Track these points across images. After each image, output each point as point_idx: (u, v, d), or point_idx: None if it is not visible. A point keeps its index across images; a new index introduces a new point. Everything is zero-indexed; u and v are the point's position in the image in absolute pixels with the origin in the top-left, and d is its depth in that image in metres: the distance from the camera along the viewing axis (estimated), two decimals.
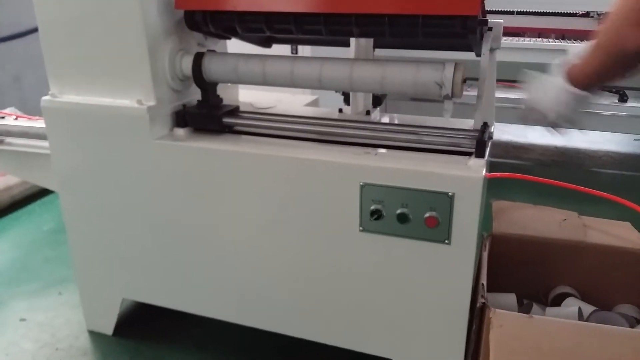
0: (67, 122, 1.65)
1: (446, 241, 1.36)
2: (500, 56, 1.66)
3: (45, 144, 1.75)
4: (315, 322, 1.62)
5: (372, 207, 1.39)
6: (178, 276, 1.73)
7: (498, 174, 1.43)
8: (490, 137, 1.54)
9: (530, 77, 1.41)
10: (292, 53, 2.78)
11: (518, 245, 1.68)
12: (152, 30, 1.51)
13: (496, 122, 1.73)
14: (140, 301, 1.86)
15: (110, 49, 1.54)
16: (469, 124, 1.58)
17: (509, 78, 2.97)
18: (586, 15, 3.98)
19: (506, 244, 1.67)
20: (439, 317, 1.45)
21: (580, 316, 1.54)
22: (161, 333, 1.94)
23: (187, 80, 1.64)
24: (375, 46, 1.81)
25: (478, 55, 1.55)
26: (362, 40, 1.76)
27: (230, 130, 1.64)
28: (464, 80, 1.39)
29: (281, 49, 2.02)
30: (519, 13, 4.02)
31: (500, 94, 3.37)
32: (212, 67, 1.58)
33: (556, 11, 3.99)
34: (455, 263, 1.38)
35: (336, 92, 1.83)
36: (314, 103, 2.30)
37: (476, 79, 1.46)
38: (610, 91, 3.73)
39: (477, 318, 1.38)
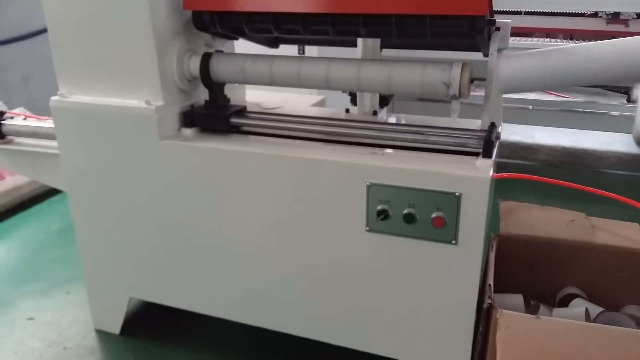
0: (76, 122, 1.65)
1: (453, 242, 1.35)
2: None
3: (54, 143, 1.76)
4: (321, 322, 1.62)
5: (379, 207, 1.39)
6: (185, 275, 1.73)
7: (505, 175, 1.43)
8: (498, 138, 1.53)
9: None
10: (299, 53, 2.79)
11: (525, 246, 1.68)
12: (161, 30, 1.52)
13: (504, 122, 1.73)
14: (148, 300, 1.86)
15: (119, 49, 1.55)
16: (476, 124, 1.58)
17: None
18: (594, 15, 3.97)
19: (513, 244, 1.67)
20: (446, 318, 1.45)
21: (587, 317, 1.54)
22: (168, 332, 1.94)
23: (195, 81, 1.64)
24: (382, 46, 1.81)
25: (486, 55, 1.54)
26: (369, 41, 1.76)
27: (237, 130, 1.64)
28: (472, 81, 1.39)
29: (288, 50, 2.02)
30: (527, 13, 4.01)
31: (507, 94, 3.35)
32: (219, 68, 1.58)
33: (564, 11, 3.98)
34: (462, 264, 1.37)
35: (343, 92, 1.84)
36: (321, 103, 2.30)
37: (483, 79, 1.46)
38: (619, 91, 3.71)
39: (484, 319, 1.37)
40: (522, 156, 4.02)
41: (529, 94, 3.90)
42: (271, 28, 1.52)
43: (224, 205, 1.59)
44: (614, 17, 3.89)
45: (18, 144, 2.03)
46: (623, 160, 3.93)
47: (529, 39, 4.00)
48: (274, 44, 1.94)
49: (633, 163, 3.88)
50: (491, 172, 1.31)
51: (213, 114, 1.63)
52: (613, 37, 4.10)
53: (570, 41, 3.99)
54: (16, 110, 2.24)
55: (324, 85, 1.53)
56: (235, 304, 1.72)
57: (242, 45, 1.83)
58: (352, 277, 1.52)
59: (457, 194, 1.31)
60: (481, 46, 1.55)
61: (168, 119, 1.59)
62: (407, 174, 1.36)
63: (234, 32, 1.65)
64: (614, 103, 3.68)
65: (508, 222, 1.73)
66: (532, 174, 1.51)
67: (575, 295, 1.68)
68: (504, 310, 1.25)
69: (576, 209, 1.79)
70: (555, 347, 1.17)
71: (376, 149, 1.49)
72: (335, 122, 1.61)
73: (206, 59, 1.58)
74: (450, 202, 1.32)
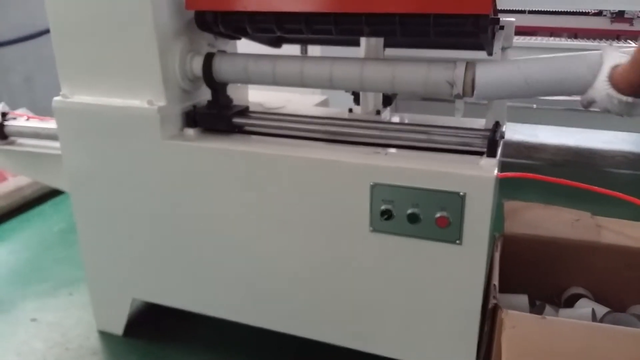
0: (78, 122, 1.65)
1: (457, 241, 1.35)
2: (512, 55, 1.64)
3: (56, 144, 1.75)
4: (324, 322, 1.62)
5: (383, 207, 1.38)
6: (187, 276, 1.73)
7: (510, 174, 1.42)
8: (502, 137, 1.53)
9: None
10: (301, 53, 2.78)
11: (530, 246, 1.67)
12: (163, 30, 1.51)
13: (508, 121, 1.72)
14: (150, 301, 1.86)
15: (121, 49, 1.55)
16: (480, 123, 1.57)
17: None
18: (599, 14, 3.96)
19: (518, 244, 1.66)
20: (451, 319, 1.44)
21: (593, 317, 1.53)
22: (171, 333, 1.94)
23: (198, 81, 1.64)
24: (386, 45, 1.81)
25: (490, 54, 1.54)
26: (373, 40, 1.75)
27: (240, 130, 1.64)
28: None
29: (291, 49, 2.01)
30: (531, 12, 4.00)
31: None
32: (222, 68, 1.58)
33: (569, 10, 3.97)
34: (466, 264, 1.37)
35: (346, 91, 1.83)
36: (324, 103, 2.29)
37: None
38: None
39: (489, 319, 1.37)
40: (527, 155, 4.01)
41: None
42: (274, 28, 1.51)
43: (227, 206, 1.58)
44: (619, 15, 3.88)
45: (20, 144, 2.04)
46: (628, 159, 3.92)
47: (533, 37, 3.98)
48: (276, 43, 1.94)
49: (638, 162, 3.86)
50: (495, 171, 1.30)
51: (215, 114, 1.62)
52: (618, 36, 4.10)
53: (574, 40, 3.97)
54: (19, 111, 2.23)
55: (327, 84, 1.52)
56: (238, 304, 1.71)
57: (245, 45, 1.83)
58: (356, 278, 1.51)
59: (461, 193, 1.30)
60: (485, 45, 1.54)
61: (170, 119, 1.58)
62: (411, 174, 1.35)
63: (237, 32, 1.65)
64: None
65: (513, 221, 1.72)
66: (536, 174, 1.50)
67: (581, 296, 1.67)
68: (509, 311, 1.24)
69: (581, 208, 1.79)
70: (561, 348, 1.16)
71: (379, 149, 1.48)
72: (338, 122, 1.61)
73: (209, 58, 1.58)
74: (455, 202, 1.32)
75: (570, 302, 1.67)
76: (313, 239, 1.52)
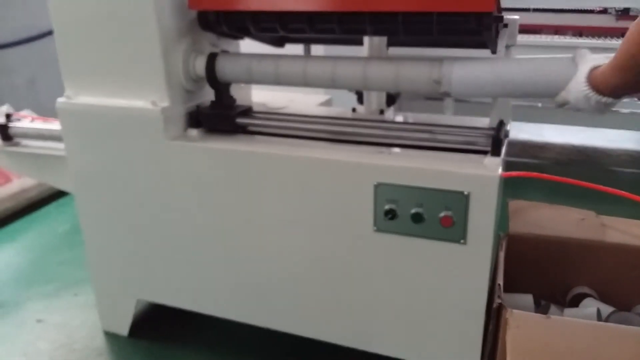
0: (82, 123, 1.66)
1: (462, 241, 1.34)
2: (516, 53, 1.64)
3: (61, 145, 1.76)
4: (329, 322, 1.61)
5: (387, 207, 1.38)
6: (192, 277, 1.73)
7: (514, 173, 1.41)
8: (507, 136, 1.52)
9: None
10: (304, 53, 2.78)
11: (535, 245, 1.66)
12: (166, 31, 1.51)
13: (513, 120, 1.71)
14: (155, 302, 1.86)
15: (125, 50, 1.55)
16: (484, 122, 1.57)
17: None
18: (604, 11, 3.94)
19: (523, 243, 1.65)
20: (455, 318, 1.44)
21: (598, 317, 1.52)
22: (176, 334, 1.94)
23: (201, 81, 1.64)
24: (389, 44, 1.80)
25: (494, 52, 1.53)
26: (376, 39, 1.75)
27: (243, 130, 1.64)
28: None
29: (294, 49, 2.01)
30: (536, 10, 3.98)
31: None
32: (225, 68, 1.58)
33: (573, 8, 3.95)
34: (471, 263, 1.36)
35: (349, 91, 1.83)
36: (327, 103, 2.29)
37: None
38: None
39: (494, 319, 1.36)
40: (532, 155, 4.00)
41: None
42: (277, 27, 1.51)
43: (231, 206, 1.58)
44: (624, 13, 3.86)
45: (25, 146, 2.04)
46: (634, 158, 3.90)
47: (538, 36, 3.96)
48: (279, 43, 1.94)
49: None
50: (500, 170, 1.30)
51: (219, 114, 1.62)
52: (623, 34, 4.07)
53: (579, 38, 3.95)
54: (23, 113, 2.23)
55: (330, 84, 1.52)
56: (243, 304, 1.71)
57: (248, 45, 1.82)
58: (360, 277, 1.51)
59: (465, 192, 1.30)
60: (489, 43, 1.54)
61: (174, 119, 1.58)
62: (415, 173, 1.35)
63: (240, 32, 1.65)
64: (625, 100, 3.65)
65: (517, 221, 1.71)
66: (541, 173, 1.49)
67: (586, 295, 1.67)
68: (514, 310, 1.24)
69: (586, 207, 1.78)
70: (566, 347, 1.15)
71: (383, 148, 1.48)
72: (341, 122, 1.61)
73: (212, 59, 1.58)
74: (459, 201, 1.31)
75: (576, 302, 1.66)
76: (317, 239, 1.52)
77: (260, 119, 1.64)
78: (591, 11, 3.98)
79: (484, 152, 1.39)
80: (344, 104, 2.04)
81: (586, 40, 3.82)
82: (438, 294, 1.43)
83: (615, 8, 3.87)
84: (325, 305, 1.59)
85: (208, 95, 1.69)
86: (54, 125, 1.91)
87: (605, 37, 3.83)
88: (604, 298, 1.66)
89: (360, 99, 1.90)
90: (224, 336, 1.92)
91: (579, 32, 4.10)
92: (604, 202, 1.75)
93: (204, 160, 1.56)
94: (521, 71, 1.35)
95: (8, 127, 2.00)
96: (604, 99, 1.19)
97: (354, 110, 1.91)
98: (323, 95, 2.36)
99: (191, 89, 1.64)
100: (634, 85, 1.15)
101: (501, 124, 1.46)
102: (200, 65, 1.59)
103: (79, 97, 1.65)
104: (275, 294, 1.64)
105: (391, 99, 1.88)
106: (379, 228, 1.42)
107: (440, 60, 1.40)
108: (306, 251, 1.55)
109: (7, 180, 2.96)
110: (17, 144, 2.04)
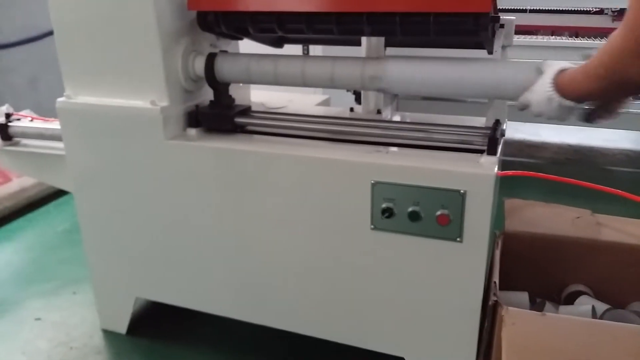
0: (82, 123, 1.66)
1: (458, 239, 1.35)
2: (512, 54, 1.65)
3: (60, 145, 1.77)
4: (326, 320, 1.63)
5: (384, 205, 1.39)
6: (190, 275, 1.74)
7: (510, 172, 1.43)
8: (503, 135, 1.53)
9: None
10: (303, 53, 2.79)
11: (530, 244, 1.67)
12: (166, 31, 1.52)
13: (510, 120, 1.73)
14: (154, 300, 1.87)
15: (124, 50, 1.56)
16: (480, 121, 1.58)
17: None
18: (600, 12, 3.95)
19: (519, 242, 1.67)
20: (451, 316, 1.45)
21: (593, 314, 1.53)
22: (174, 332, 1.95)
23: (200, 81, 1.65)
24: (387, 45, 1.81)
25: (490, 52, 1.54)
26: (374, 39, 1.76)
27: (242, 130, 1.65)
28: None
29: (293, 49, 2.02)
30: (532, 11, 3.99)
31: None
32: (224, 68, 1.59)
33: (570, 8, 3.96)
34: (467, 261, 1.37)
35: (347, 91, 1.84)
36: (325, 102, 2.30)
37: None
38: None
39: (489, 316, 1.37)
40: (529, 154, 4.02)
41: None
42: (275, 28, 1.52)
43: (229, 205, 1.59)
44: (620, 14, 3.88)
45: (25, 145, 2.04)
46: (629, 157, 3.92)
47: (534, 37, 3.98)
48: (278, 44, 1.95)
49: (639, 160, 3.87)
50: (496, 169, 1.31)
51: (218, 114, 1.63)
52: None
53: (575, 39, 3.96)
54: (23, 112, 2.24)
55: (329, 84, 1.53)
56: (241, 302, 1.72)
57: (247, 46, 1.83)
58: (357, 275, 1.52)
59: (461, 191, 1.31)
60: (486, 44, 1.55)
61: (173, 119, 1.59)
62: (412, 172, 1.36)
63: (239, 32, 1.66)
64: None
65: (513, 219, 1.73)
66: (537, 172, 1.51)
67: (581, 293, 1.68)
68: (509, 308, 1.25)
69: (582, 206, 1.79)
70: (561, 344, 1.17)
71: (381, 147, 1.49)
72: (339, 121, 1.62)
73: (211, 59, 1.59)
74: (455, 200, 1.32)
75: (571, 299, 1.67)
76: (315, 237, 1.53)
77: (258, 118, 1.65)
78: (587, 12, 3.99)
79: (480, 151, 1.40)
80: (342, 104, 2.05)
81: (582, 41, 3.84)
82: (434, 292, 1.45)
83: (611, 9, 3.88)
84: (323, 303, 1.60)
85: (207, 95, 1.70)
86: (54, 125, 1.92)
87: (602, 37, 3.84)
88: (599, 296, 1.67)
89: (358, 99, 1.91)
90: (222, 334, 1.92)
91: (575, 32, 4.12)
92: (599, 200, 1.77)
93: (202, 159, 1.57)
94: (444, 72, 1.41)
95: (8, 126, 2.01)
96: (567, 103, 1.20)
97: (351, 110, 1.92)
98: (321, 95, 2.37)
99: (190, 88, 1.65)
100: (608, 94, 1.17)
101: (497, 123, 1.47)
102: (199, 65, 1.60)
103: (78, 96, 1.66)
104: (273, 292, 1.66)
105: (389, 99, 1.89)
106: (376, 226, 1.43)
107: (378, 58, 1.47)
108: (304, 249, 1.56)
109: (7, 179, 2.96)
110: (17, 144, 2.05)
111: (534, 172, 1.49)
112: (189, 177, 1.60)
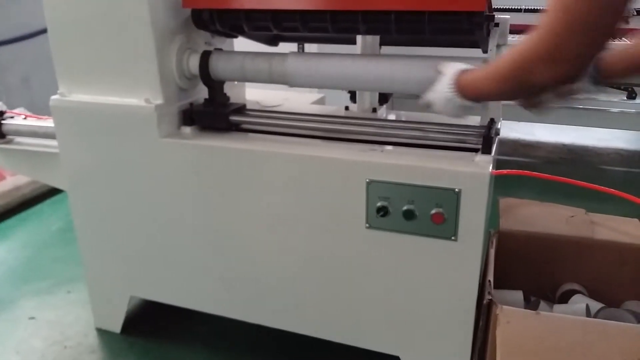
0: (76, 121, 1.66)
1: (453, 238, 1.36)
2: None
3: (54, 143, 1.76)
4: (321, 319, 1.63)
5: (379, 204, 1.39)
6: (185, 274, 1.74)
7: (505, 171, 1.43)
8: (497, 134, 1.54)
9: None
10: (298, 51, 2.78)
11: (525, 242, 1.68)
12: (160, 29, 1.52)
13: (504, 119, 1.73)
14: (148, 299, 1.87)
15: (119, 48, 1.55)
16: (475, 120, 1.58)
17: None
18: None
19: (513, 240, 1.67)
20: (446, 314, 1.45)
21: (588, 313, 1.54)
22: (169, 331, 1.95)
23: (194, 79, 1.65)
24: (382, 43, 1.81)
25: (485, 51, 1.54)
26: (369, 38, 1.76)
27: (237, 128, 1.65)
28: None
29: (288, 48, 2.02)
30: (527, 10, 4.00)
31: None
32: (219, 66, 1.59)
33: None
34: (462, 260, 1.38)
35: (342, 89, 1.83)
36: (321, 101, 2.30)
37: None
38: (619, 88, 3.70)
39: (484, 315, 1.37)
40: (523, 153, 4.03)
41: None
42: (270, 26, 1.52)
43: (224, 203, 1.59)
44: None
45: (18, 143, 2.03)
46: (623, 156, 3.93)
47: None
48: (273, 42, 1.95)
49: (632, 159, 3.88)
50: (490, 167, 1.31)
51: (212, 112, 1.63)
52: None
53: None
54: (17, 111, 2.23)
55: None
56: (236, 301, 1.72)
57: (242, 44, 1.83)
58: (352, 274, 1.52)
59: (456, 190, 1.31)
60: (480, 42, 1.56)
61: (168, 117, 1.59)
62: (407, 171, 1.36)
63: (234, 30, 1.66)
64: (614, 100, 3.68)
65: (508, 218, 1.73)
66: (532, 171, 1.51)
67: (576, 291, 1.68)
68: (504, 306, 1.25)
69: (576, 205, 1.80)
70: (555, 343, 1.17)
71: (376, 146, 1.49)
72: (334, 120, 1.62)
73: (205, 57, 1.59)
74: (450, 198, 1.33)
75: (565, 298, 1.67)
76: (310, 236, 1.53)
77: (253, 117, 1.65)
78: None
79: (475, 150, 1.41)
80: (337, 102, 2.05)
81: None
82: (429, 290, 1.45)
83: None
84: (318, 301, 1.60)
85: (202, 93, 1.69)
86: (48, 123, 1.91)
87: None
88: (593, 294, 1.67)
89: (353, 98, 1.91)
90: (217, 333, 1.92)
91: None
92: (593, 200, 1.77)
93: (197, 157, 1.57)
94: (348, 66, 1.49)
95: (1, 124, 1.99)
96: (467, 103, 1.23)
97: (347, 108, 1.91)
98: (316, 94, 2.37)
99: (185, 86, 1.64)
100: (508, 95, 1.20)
101: (492, 122, 1.47)
102: (194, 63, 1.60)
103: (72, 94, 1.65)
104: (268, 291, 1.65)
105: (383, 98, 1.89)
106: (371, 225, 1.43)
107: (282, 54, 1.55)
108: (299, 248, 1.56)
109: (1, 177, 2.95)
110: (10, 142, 2.04)
111: (528, 171, 1.49)
112: (184, 176, 1.60)
